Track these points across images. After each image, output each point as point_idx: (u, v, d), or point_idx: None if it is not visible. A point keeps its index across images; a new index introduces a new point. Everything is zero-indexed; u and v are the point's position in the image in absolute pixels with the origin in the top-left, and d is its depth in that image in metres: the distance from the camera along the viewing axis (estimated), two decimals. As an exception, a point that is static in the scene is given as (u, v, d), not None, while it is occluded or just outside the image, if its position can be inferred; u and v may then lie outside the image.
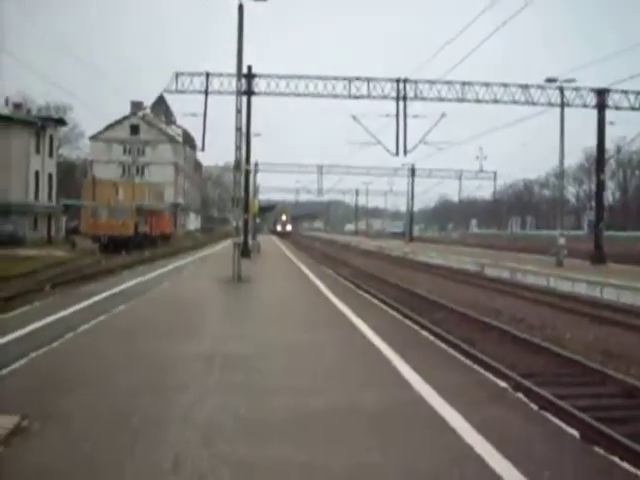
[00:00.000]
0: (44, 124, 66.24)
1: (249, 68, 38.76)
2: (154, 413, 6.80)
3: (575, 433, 7.01)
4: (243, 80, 30.60)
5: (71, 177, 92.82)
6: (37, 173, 64.45)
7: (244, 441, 6.04)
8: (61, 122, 75.91)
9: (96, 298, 17.04)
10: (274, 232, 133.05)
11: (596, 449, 6.59)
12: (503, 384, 8.92)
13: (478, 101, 41.11)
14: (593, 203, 60.71)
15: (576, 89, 39.93)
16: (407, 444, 6.08)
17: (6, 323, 12.75)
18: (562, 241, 37.60)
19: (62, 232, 70.79)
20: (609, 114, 41.32)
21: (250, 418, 6.73)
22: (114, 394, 7.61)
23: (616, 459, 6.23)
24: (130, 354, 9.97)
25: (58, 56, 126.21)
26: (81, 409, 6.93)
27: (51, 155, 69.21)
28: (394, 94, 41.16)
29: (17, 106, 69.52)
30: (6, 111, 67.23)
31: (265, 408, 7.12)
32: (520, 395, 8.50)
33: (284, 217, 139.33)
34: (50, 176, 68.59)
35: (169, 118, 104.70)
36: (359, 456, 5.75)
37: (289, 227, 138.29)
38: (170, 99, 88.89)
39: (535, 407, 7.88)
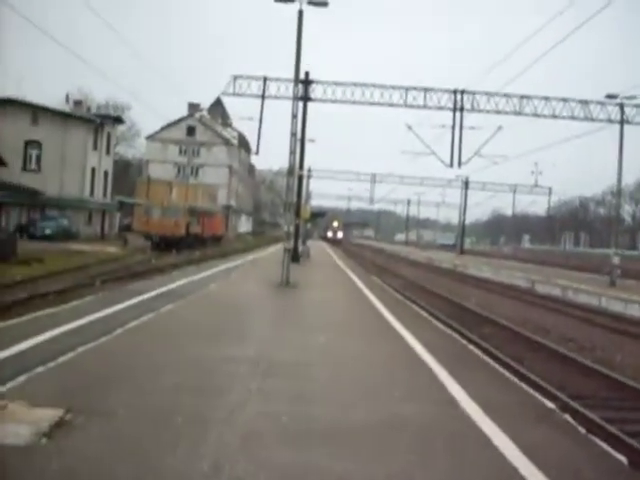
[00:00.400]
0: (102, 122, 67.29)
1: (306, 74, 38.80)
2: (195, 415, 6.79)
3: (623, 459, 6.83)
4: (300, 86, 30.61)
5: (126, 175, 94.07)
6: (93, 170, 65.46)
7: (283, 448, 5.99)
8: (119, 121, 77.03)
9: (145, 296, 17.19)
10: (324, 238, 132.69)
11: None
12: (551, 405, 8.74)
13: (536, 115, 40.62)
14: (650, 223, 59.59)
15: (637, 106, 39.20)
16: (449, 462, 5.96)
17: (57, 317, 12.92)
18: (616, 260, 36.89)
19: (115, 229, 71.81)
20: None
21: (290, 425, 6.68)
22: (157, 393, 7.64)
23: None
24: (175, 354, 10.00)
25: (120, 56, 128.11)
26: (124, 406, 6.95)
27: (108, 153, 70.26)
28: (450, 105, 40.90)
29: (77, 103, 70.72)
30: (66, 108, 68.47)
31: (306, 416, 7.06)
32: (567, 417, 8.32)
33: (336, 224, 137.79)
34: (106, 173, 69.62)
35: (225, 121, 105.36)
36: (398, 471, 5.65)
37: (340, 234, 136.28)
38: (227, 102, 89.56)
39: (582, 430, 7.70)
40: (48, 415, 6.29)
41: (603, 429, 9.37)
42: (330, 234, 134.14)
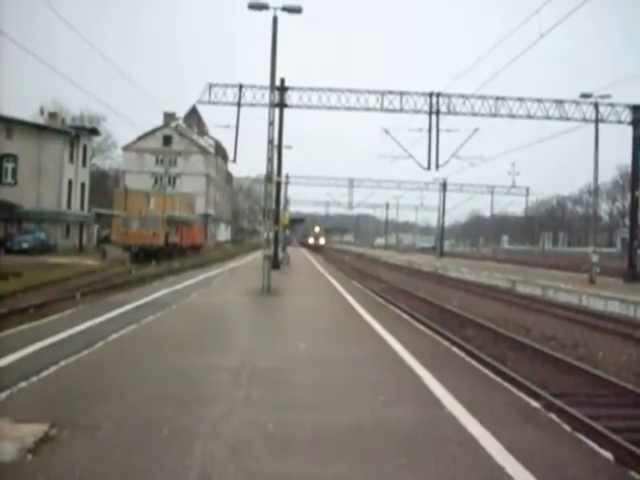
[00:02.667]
0: (78, 134, 66.86)
1: (282, 81, 38.81)
2: (181, 425, 6.76)
3: (609, 455, 6.86)
4: (276, 92, 30.62)
5: (103, 187, 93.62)
6: (70, 182, 65.05)
7: (271, 456, 5.97)
8: (95, 132, 76.62)
9: (126, 308, 17.12)
10: (305, 245, 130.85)
11: (631, 473, 6.45)
12: (535, 404, 8.77)
13: (512, 116, 40.79)
14: (627, 220, 60.09)
15: (611, 105, 39.51)
16: (437, 464, 5.96)
17: (38, 331, 12.83)
18: (595, 258, 37.13)
19: (94, 241, 71.37)
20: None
21: (277, 433, 6.66)
22: (142, 405, 7.59)
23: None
24: (158, 365, 9.96)
25: (93, 66, 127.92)
26: (109, 419, 6.91)
27: (84, 164, 69.83)
28: (427, 108, 40.98)
29: (52, 115, 70.28)
30: (41, 120, 68.06)
31: (292, 423, 7.04)
32: (552, 415, 8.35)
33: (317, 229, 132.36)
34: (83, 185, 69.20)
35: (201, 129, 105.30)
36: (387, 475, 5.66)
37: (322, 240, 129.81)
38: (203, 110, 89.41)
39: (568, 428, 7.73)
40: (33, 430, 6.24)
41: (588, 426, 9.41)
42: (311, 240, 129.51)
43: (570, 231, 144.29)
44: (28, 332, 12.80)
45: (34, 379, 8.54)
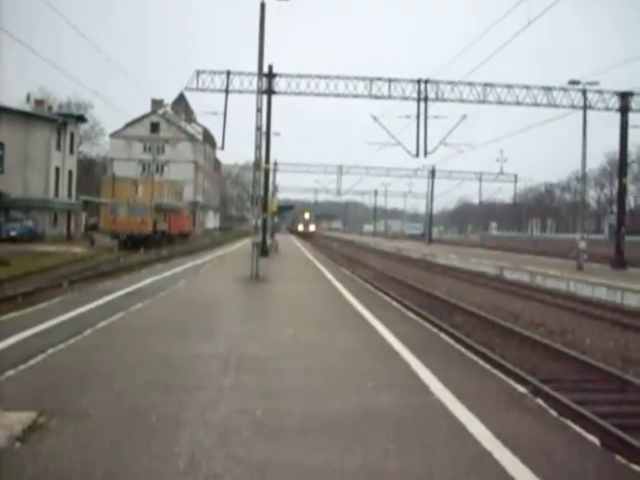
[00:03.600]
0: (65, 121, 66.55)
1: (270, 67, 38.70)
2: (169, 413, 6.76)
3: (595, 440, 6.91)
4: (264, 79, 30.49)
5: (91, 174, 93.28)
6: (57, 170, 64.79)
7: (259, 443, 5.98)
8: (82, 119, 76.31)
9: (114, 295, 17.08)
10: (294, 232, 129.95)
11: (617, 457, 6.49)
12: (522, 389, 8.81)
13: (500, 103, 40.77)
14: (614, 207, 60.33)
15: (599, 92, 39.55)
16: (425, 449, 6.00)
17: (25, 319, 12.78)
18: (583, 245, 37.26)
19: (81, 229, 71.19)
20: (632, 117, 40.93)
21: (265, 420, 6.67)
22: (129, 392, 7.58)
23: (637, 468, 6.12)
24: (146, 353, 9.95)
25: (80, 53, 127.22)
26: (97, 406, 6.91)
27: (72, 152, 69.53)
28: (415, 95, 40.91)
29: (38, 103, 69.91)
30: (28, 108, 67.69)
31: (280, 410, 7.05)
32: (540, 401, 8.39)
33: (307, 216, 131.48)
34: (70, 173, 68.93)
35: (189, 116, 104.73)
36: (375, 460, 5.67)
37: (312, 227, 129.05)
38: (191, 97, 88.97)
39: (555, 413, 7.78)
40: (21, 419, 6.23)
41: (575, 412, 9.46)
42: (301, 227, 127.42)
43: (558, 218, 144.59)
44: (16, 320, 12.75)
45: (22, 367, 8.52)
